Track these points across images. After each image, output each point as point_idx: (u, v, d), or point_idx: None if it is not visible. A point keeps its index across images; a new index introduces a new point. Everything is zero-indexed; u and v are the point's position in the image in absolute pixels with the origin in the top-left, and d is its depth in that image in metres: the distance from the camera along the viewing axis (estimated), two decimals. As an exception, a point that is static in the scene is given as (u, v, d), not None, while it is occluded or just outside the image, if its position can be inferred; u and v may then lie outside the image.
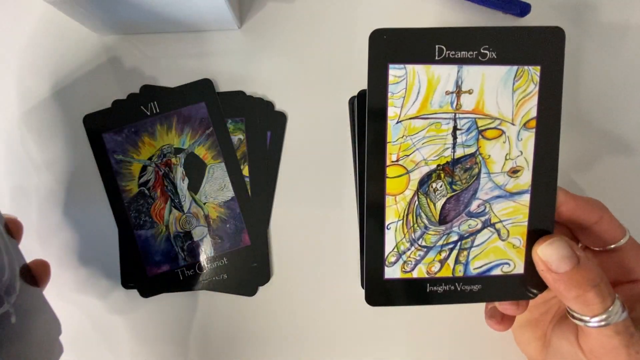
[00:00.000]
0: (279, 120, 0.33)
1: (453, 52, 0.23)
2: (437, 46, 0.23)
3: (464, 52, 0.23)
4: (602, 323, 0.22)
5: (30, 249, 0.32)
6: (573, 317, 0.23)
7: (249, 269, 0.32)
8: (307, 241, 0.33)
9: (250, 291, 0.32)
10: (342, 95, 0.32)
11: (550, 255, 0.22)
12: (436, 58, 0.23)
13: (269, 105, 0.33)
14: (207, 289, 0.32)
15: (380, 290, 0.24)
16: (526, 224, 0.24)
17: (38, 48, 0.34)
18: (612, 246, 0.25)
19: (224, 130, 0.32)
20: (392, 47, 0.22)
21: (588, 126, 0.34)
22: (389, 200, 0.23)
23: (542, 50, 0.23)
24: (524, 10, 0.33)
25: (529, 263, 0.24)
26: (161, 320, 0.33)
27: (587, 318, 0.22)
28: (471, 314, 0.32)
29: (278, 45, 0.34)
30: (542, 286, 0.24)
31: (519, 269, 0.25)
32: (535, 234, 0.24)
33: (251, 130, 0.33)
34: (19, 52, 0.34)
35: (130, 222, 0.32)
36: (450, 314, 0.33)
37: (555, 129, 0.24)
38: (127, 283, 0.32)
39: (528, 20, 0.34)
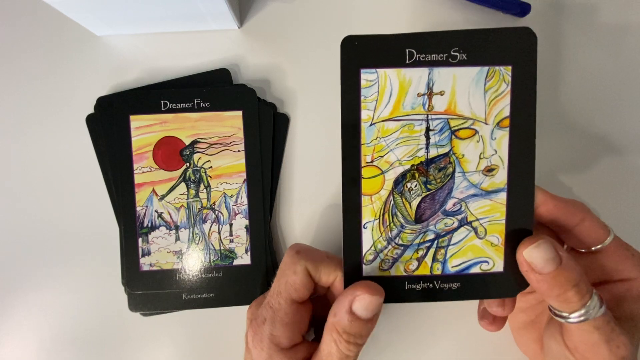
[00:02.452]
0: (281, 122, 0.33)
1: (423, 55, 0.23)
2: (407, 50, 0.23)
3: (434, 55, 0.23)
4: (582, 318, 0.22)
5: (29, 250, 0.34)
6: (555, 314, 0.24)
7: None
8: (311, 242, 0.33)
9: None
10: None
11: (536, 257, 0.23)
12: (407, 62, 0.23)
13: (272, 106, 0.33)
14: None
15: None
16: (504, 222, 0.24)
17: (38, 48, 0.34)
18: (597, 247, 0.25)
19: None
20: (363, 52, 0.23)
21: (583, 127, 0.34)
22: (364, 200, 0.24)
23: (513, 51, 0.23)
24: (524, 10, 0.33)
25: (509, 261, 0.24)
26: (163, 325, 0.33)
27: (566, 314, 0.23)
28: (472, 314, 0.31)
29: (278, 45, 0.34)
30: (523, 284, 0.25)
31: (499, 267, 0.25)
32: (514, 233, 0.24)
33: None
34: (19, 52, 0.34)
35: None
36: (452, 314, 0.33)
37: (530, 127, 0.24)
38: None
39: (528, 20, 0.34)
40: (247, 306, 0.29)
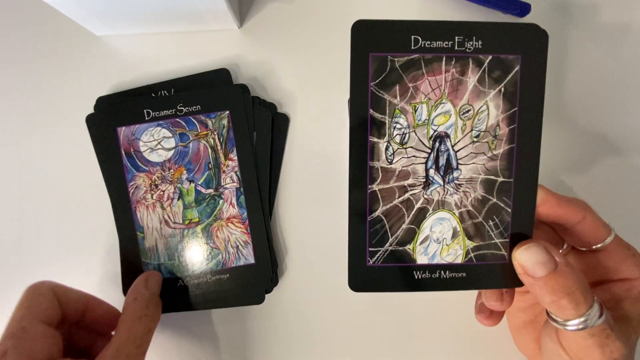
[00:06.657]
0: (281, 122, 0.33)
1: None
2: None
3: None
4: (580, 327, 0.22)
5: (28, 249, 0.33)
6: (552, 319, 0.24)
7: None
8: (311, 242, 0.33)
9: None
10: (343, 95, 0.32)
11: (526, 260, 0.23)
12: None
13: (272, 106, 0.33)
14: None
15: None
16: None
17: (38, 48, 0.34)
18: (598, 245, 0.26)
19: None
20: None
21: (583, 126, 0.34)
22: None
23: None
24: (524, 10, 0.33)
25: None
26: (167, 333, 0.33)
27: (561, 320, 0.23)
28: (470, 315, 0.31)
29: (278, 45, 0.34)
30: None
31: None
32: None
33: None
34: (19, 52, 0.34)
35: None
36: (453, 314, 0.33)
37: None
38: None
39: (528, 20, 0.33)
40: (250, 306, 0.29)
